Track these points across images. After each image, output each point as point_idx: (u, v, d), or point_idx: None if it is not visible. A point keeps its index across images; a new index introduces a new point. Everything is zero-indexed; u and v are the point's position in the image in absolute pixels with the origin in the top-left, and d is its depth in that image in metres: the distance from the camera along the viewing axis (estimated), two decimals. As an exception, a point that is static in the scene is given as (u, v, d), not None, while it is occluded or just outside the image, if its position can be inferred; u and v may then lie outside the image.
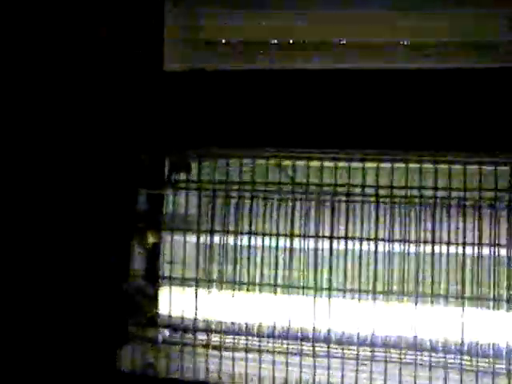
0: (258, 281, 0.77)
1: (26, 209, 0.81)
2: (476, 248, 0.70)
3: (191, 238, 0.79)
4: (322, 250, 0.75)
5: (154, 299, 0.80)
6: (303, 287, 0.76)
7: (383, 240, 0.73)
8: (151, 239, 0.80)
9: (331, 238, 0.75)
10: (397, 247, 0.73)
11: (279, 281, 0.77)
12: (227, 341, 0.77)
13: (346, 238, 0.74)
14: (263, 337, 0.76)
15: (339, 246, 0.75)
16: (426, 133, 0.70)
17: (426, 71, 0.71)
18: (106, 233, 0.78)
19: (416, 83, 0.70)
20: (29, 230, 0.81)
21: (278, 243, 0.76)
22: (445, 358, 0.70)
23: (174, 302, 0.79)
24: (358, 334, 0.73)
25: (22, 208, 0.82)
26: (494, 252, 0.70)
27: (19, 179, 0.82)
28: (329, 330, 0.74)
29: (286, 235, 0.76)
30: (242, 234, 0.77)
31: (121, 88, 0.79)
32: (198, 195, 0.79)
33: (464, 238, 0.71)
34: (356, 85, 0.72)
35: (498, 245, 0.70)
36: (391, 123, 0.71)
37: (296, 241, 0.76)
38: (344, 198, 0.75)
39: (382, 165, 0.73)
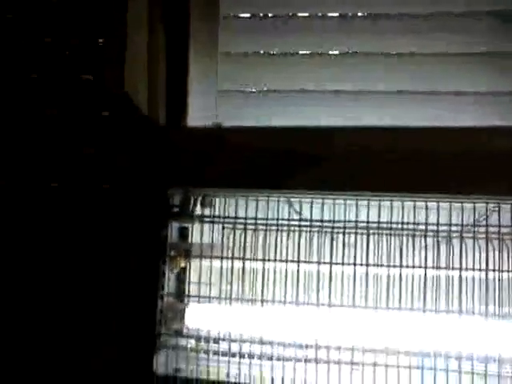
0: (270, 298, 0.93)
1: (72, 242, 0.98)
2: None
3: (215, 263, 0.95)
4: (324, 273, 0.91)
5: (183, 314, 0.96)
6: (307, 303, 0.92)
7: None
8: (181, 264, 0.96)
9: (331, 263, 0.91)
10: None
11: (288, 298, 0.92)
12: (244, 349, 0.93)
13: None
14: (275, 345, 0.92)
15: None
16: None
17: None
18: (143, 259, 0.94)
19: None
20: (76, 260, 0.97)
21: (287, 268, 0.92)
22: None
23: (200, 316, 0.95)
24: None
25: (66, 239, 0.98)
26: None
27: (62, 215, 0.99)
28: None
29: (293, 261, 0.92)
30: (257, 260, 0.93)
31: (155, 137, 0.97)
32: (222, 227, 0.95)
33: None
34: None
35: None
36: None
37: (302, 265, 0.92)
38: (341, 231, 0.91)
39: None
